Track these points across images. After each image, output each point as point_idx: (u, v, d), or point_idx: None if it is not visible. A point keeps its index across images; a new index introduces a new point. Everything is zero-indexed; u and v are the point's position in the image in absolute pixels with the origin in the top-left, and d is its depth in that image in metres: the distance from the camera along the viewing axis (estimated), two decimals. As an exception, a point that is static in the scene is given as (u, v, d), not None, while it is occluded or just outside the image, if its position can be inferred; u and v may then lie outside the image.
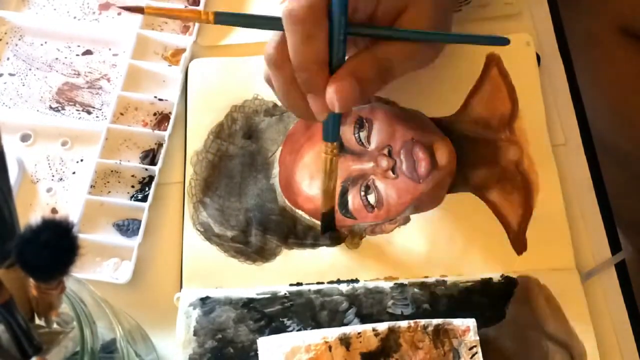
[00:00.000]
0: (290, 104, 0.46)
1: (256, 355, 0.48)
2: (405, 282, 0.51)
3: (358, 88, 0.42)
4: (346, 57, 0.43)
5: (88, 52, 0.62)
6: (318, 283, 0.51)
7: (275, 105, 0.57)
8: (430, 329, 0.47)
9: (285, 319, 0.50)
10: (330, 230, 0.53)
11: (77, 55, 0.62)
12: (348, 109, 0.43)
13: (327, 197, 0.50)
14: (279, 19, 0.42)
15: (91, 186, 0.55)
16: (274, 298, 0.51)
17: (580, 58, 0.61)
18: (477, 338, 0.47)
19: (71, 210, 0.55)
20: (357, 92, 0.42)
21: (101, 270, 0.53)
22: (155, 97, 0.58)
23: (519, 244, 0.52)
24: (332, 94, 0.42)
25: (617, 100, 0.65)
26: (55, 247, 0.30)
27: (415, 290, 0.50)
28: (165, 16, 0.44)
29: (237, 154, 0.56)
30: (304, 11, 0.41)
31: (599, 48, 0.65)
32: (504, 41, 0.46)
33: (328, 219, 0.52)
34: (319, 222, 0.53)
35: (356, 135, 0.52)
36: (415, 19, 0.45)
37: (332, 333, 0.47)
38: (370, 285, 0.51)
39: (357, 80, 0.42)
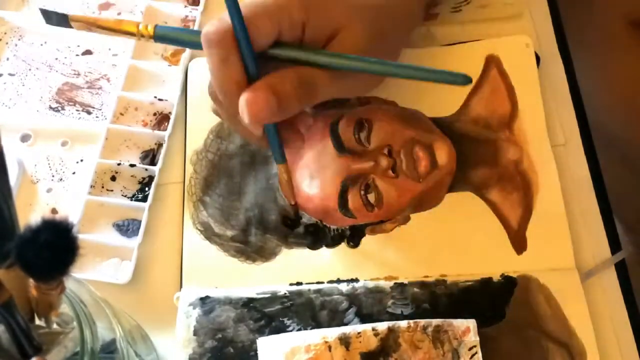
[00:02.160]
0: (239, 132, 0.47)
1: (256, 355, 0.48)
2: (405, 281, 0.51)
3: (274, 100, 0.41)
4: None
5: (88, 52, 0.62)
6: (318, 283, 0.51)
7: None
8: (430, 329, 0.47)
9: (285, 319, 0.50)
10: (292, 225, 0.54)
11: (77, 55, 0.62)
12: (260, 120, 0.41)
13: (290, 197, 0.52)
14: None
15: (91, 186, 0.55)
16: (273, 298, 0.51)
17: (587, 53, 0.61)
18: (477, 339, 0.47)
19: (71, 210, 0.55)
20: (272, 104, 0.41)
21: (101, 270, 0.53)
22: (155, 97, 0.58)
23: (519, 244, 0.52)
24: (242, 104, 0.41)
25: (626, 94, 0.65)
26: (55, 247, 0.30)
27: (415, 289, 0.51)
28: (95, 27, 0.43)
29: (237, 154, 0.56)
30: (216, 34, 0.40)
31: (607, 42, 0.65)
32: (462, 80, 0.40)
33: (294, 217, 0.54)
34: (318, 222, 0.53)
35: (356, 135, 0.52)
36: (345, 44, 0.44)
37: (332, 333, 0.47)
38: (370, 284, 0.51)
39: (274, 92, 0.41)
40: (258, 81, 0.42)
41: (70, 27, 0.43)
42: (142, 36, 0.43)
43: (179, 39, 0.45)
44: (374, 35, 0.46)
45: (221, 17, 0.41)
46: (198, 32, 0.43)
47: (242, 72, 0.41)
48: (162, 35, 0.43)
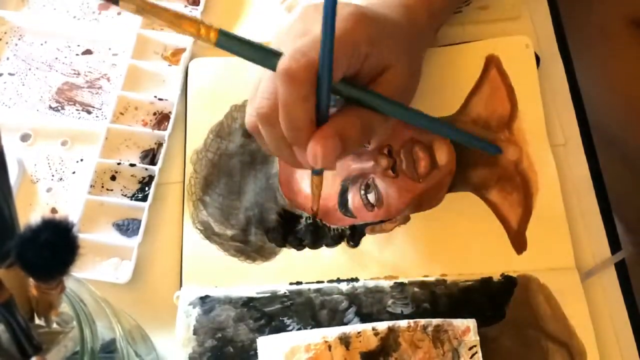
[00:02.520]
0: (284, 157, 0.46)
1: (256, 354, 0.48)
2: (405, 281, 0.51)
3: (341, 146, 0.41)
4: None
5: (88, 52, 0.62)
6: (318, 282, 0.51)
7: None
8: (430, 329, 0.47)
9: (285, 318, 0.50)
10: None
11: (77, 54, 0.62)
12: (330, 165, 0.42)
13: (315, 204, 0.52)
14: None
15: (91, 186, 0.55)
16: (273, 297, 0.51)
17: (587, 53, 0.61)
18: (477, 338, 0.47)
19: (71, 210, 0.55)
20: (339, 150, 0.41)
21: (101, 270, 0.53)
22: (155, 96, 0.58)
23: (519, 244, 0.52)
24: (316, 151, 0.41)
25: (626, 94, 0.65)
26: (55, 246, 0.30)
27: (415, 289, 0.51)
28: (147, 13, 0.38)
29: (237, 153, 0.56)
30: (302, 72, 0.39)
31: (607, 41, 0.65)
32: (496, 150, 0.50)
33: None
34: (318, 221, 0.53)
35: (356, 134, 0.52)
36: (390, 83, 0.45)
37: (332, 332, 0.47)
38: (370, 284, 0.51)
39: (341, 139, 0.41)
40: (326, 126, 0.42)
41: (116, 4, 0.38)
42: (201, 39, 0.40)
43: (245, 54, 0.42)
44: (411, 72, 0.47)
45: (301, 52, 0.40)
46: (266, 50, 0.41)
47: (315, 109, 0.41)
48: (225, 45, 0.41)
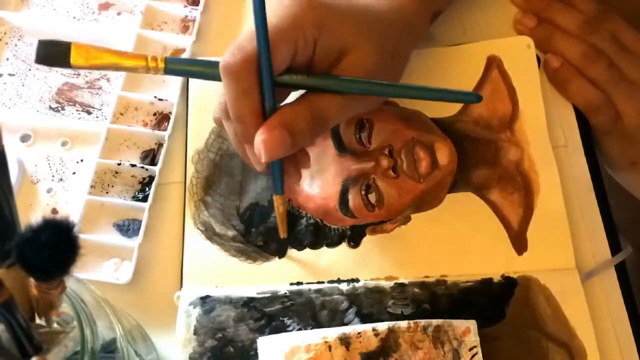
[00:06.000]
0: (242, 155, 0.47)
1: (256, 354, 0.48)
2: (406, 281, 0.51)
3: (289, 138, 0.41)
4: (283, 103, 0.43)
5: (88, 52, 0.62)
6: (318, 282, 0.51)
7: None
8: (430, 329, 0.47)
9: (285, 318, 0.50)
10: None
11: (77, 55, 0.61)
12: (275, 157, 0.42)
13: (282, 231, 0.52)
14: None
15: (91, 186, 0.55)
16: (274, 297, 0.51)
17: None
18: (478, 339, 0.47)
19: (71, 210, 0.55)
20: (287, 142, 0.41)
21: (102, 270, 0.53)
22: (155, 97, 0.58)
23: (520, 244, 0.52)
24: (259, 143, 0.41)
25: None
26: (55, 247, 0.30)
27: (416, 290, 0.51)
28: (98, 68, 0.43)
29: (238, 153, 0.56)
30: (238, 66, 0.40)
31: None
32: (475, 98, 0.46)
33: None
34: (319, 221, 0.53)
35: (357, 135, 0.52)
36: (355, 65, 0.44)
37: (332, 333, 0.47)
38: (371, 284, 0.51)
39: (288, 130, 0.41)
40: (272, 118, 0.41)
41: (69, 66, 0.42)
42: (150, 70, 0.42)
43: (191, 71, 0.44)
44: (382, 54, 0.45)
45: (239, 45, 0.40)
46: (211, 64, 0.42)
47: (260, 101, 0.41)
48: (173, 69, 0.43)
